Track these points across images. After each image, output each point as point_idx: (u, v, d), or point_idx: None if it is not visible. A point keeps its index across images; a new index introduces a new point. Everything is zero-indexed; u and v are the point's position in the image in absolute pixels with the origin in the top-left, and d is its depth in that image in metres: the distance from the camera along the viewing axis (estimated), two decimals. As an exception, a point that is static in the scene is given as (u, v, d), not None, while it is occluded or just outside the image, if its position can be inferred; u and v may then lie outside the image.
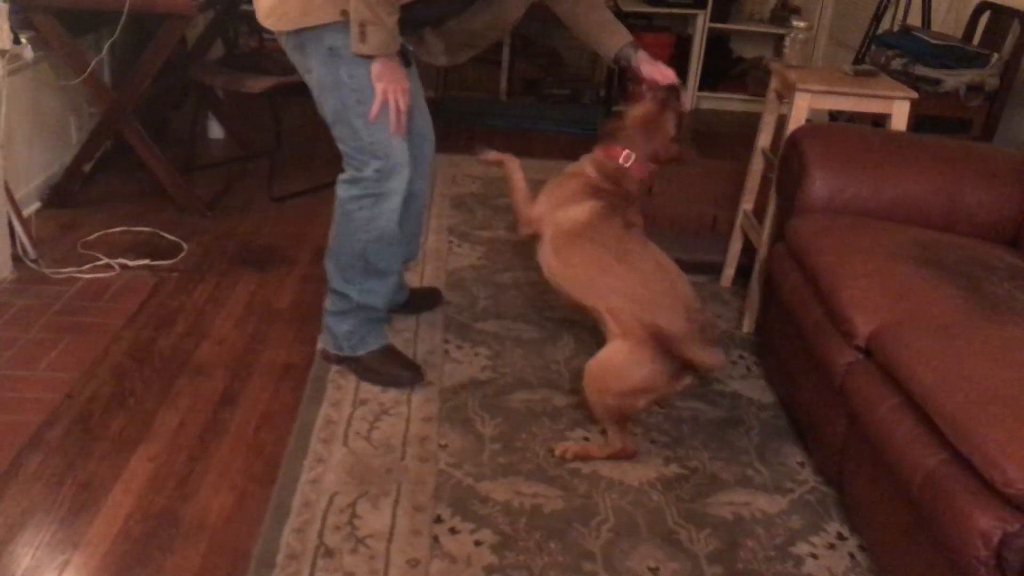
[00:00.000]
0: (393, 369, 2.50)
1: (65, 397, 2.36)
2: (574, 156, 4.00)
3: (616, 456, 2.23)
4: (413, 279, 3.08)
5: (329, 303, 2.49)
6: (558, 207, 2.30)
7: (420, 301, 2.91)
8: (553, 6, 2.46)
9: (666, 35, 5.67)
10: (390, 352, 2.54)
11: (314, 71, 2.26)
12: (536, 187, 2.39)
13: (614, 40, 2.44)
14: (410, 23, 2.24)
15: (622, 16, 5.20)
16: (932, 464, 1.65)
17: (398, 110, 2.24)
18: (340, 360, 2.53)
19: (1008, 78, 3.36)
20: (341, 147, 2.32)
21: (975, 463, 1.54)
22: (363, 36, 2.11)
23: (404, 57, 2.32)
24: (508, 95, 5.63)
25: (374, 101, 2.21)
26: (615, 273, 2.19)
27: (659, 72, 2.41)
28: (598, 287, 2.21)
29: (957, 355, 1.78)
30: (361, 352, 2.49)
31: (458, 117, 5.09)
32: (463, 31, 2.39)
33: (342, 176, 2.35)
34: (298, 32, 2.21)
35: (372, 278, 2.41)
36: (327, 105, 2.28)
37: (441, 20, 2.39)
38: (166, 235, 3.33)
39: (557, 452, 2.24)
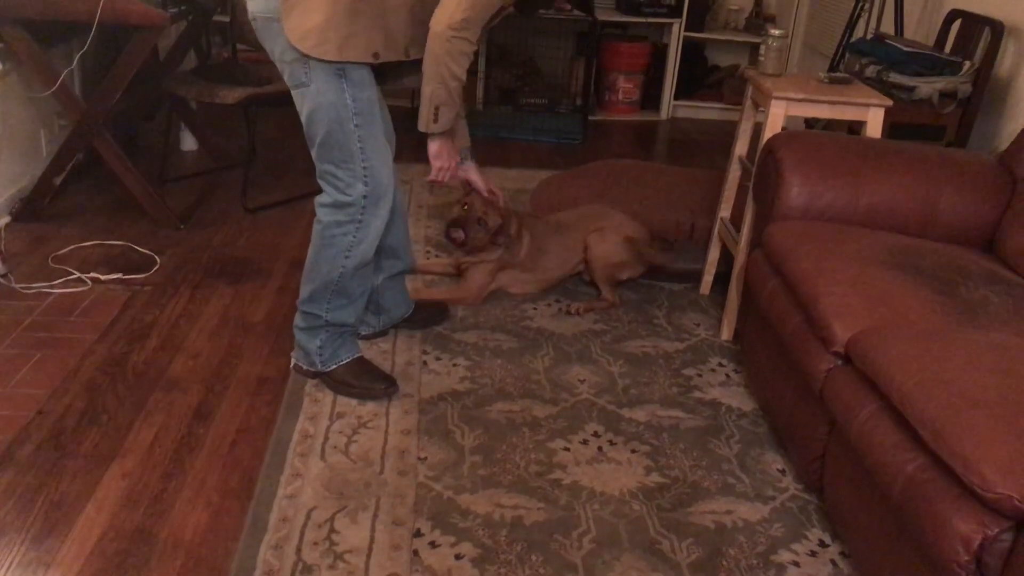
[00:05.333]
0: (366, 381, 2.48)
1: (36, 414, 2.32)
2: (551, 165, 4.01)
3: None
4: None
5: (299, 319, 2.47)
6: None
7: (426, 316, 2.88)
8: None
9: (641, 44, 5.69)
10: (362, 364, 2.52)
11: (313, 86, 2.19)
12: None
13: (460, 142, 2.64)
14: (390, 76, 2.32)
15: (598, 26, 5.26)
16: (912, 469, 1.65)
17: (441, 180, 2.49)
18: (314, 375, 2.51)
19: (980, 85, 3.39)
20: (326, 167, 2.27)
21: (954, 467, 1.54)
22: (436, 117, 2.27)
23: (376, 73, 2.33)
24: (484, 104, 5.63)
25: (372, 125, 2.25)
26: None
27: (481, 182, 2.83)
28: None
29: (935, 360, 1.79)
30: (333, 366, 2.47)
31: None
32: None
33: (323, 199, 2.32)
34: None
35: (341, 298, 2.41)
36: (321, 122, 2.22)
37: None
38: (139, 248, 3.29)
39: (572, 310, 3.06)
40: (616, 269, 3.15)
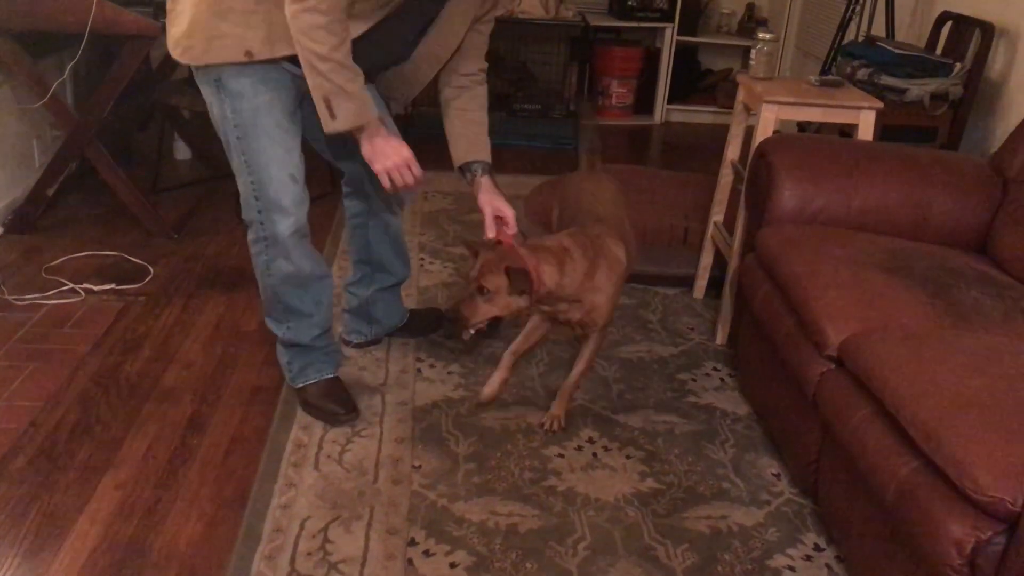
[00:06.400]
0: (328, 404, 2.40)
1: (29, 426, 2.31)
2: (544, 171, 3.98)
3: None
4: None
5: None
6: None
7: (422, 324, 2.85)
8: (439, 87, 2.32)
9: (634, 49, 5.70)
10: (331, 386, 2.44)
11: (207, 101, 2.16)
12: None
13: (469, 152, 2.29)
14: None
15: (591, 31, 5.26)
16: (905, 473, 1.65)
17: (407, 185, 2.10)
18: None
19: (971, 87, 3.40)
20: (237, 182, 2.22)
21: (947, 471, 1.54)
22: (331, 112, 1.96)
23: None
24: (478, 111, 5.61)
25: (258, 138, 2.10)
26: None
27: (495, 204, 2.27)
28: None
29: (928, 363, 1.79)
30: (301, 383, 2.44)
31: (428, 133, 5.07)
32: (395, 78, 2.27)
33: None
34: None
35: (293, 318, 2.36)
36: (218, 136, 2.18)
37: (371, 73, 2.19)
38: (132, 258, 3.29)
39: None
40: None
